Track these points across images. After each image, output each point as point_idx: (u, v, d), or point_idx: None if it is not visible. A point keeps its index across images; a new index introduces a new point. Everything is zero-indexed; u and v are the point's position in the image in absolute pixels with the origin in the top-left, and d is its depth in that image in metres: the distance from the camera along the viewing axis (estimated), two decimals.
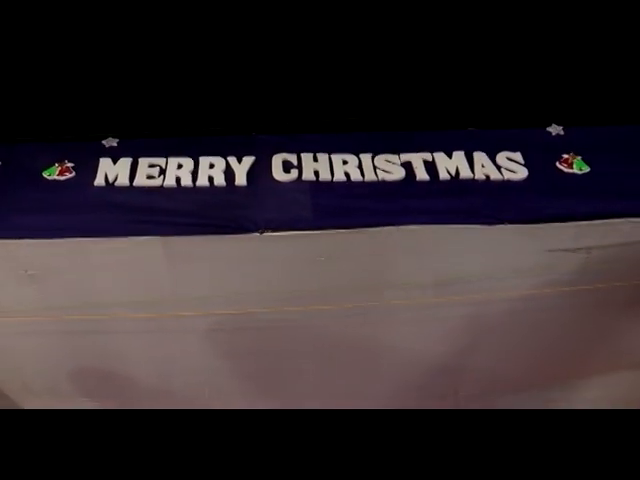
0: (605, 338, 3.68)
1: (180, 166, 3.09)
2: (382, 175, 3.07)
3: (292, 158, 3.14)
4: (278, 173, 3.07)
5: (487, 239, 2.99)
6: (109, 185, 3.02)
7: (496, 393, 4.11)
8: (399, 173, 3.08)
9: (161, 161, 3.12)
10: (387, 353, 3.66)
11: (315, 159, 3.14)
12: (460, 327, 3.49)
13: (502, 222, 2.94)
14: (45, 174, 3.02)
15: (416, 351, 3.65)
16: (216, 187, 3.03)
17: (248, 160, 3.13)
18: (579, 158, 3.16)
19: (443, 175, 3.10)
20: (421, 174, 3.08)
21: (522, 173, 3.10)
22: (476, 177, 3.10)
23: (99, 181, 3.01)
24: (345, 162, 3.13)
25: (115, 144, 3.24)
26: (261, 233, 2.83)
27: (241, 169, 3.08)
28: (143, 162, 3.11)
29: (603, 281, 3.19)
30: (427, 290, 3.20)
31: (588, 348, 3.76)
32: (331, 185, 3.05)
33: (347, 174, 3.08)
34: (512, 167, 3.13)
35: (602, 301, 3.37)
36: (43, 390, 3.93)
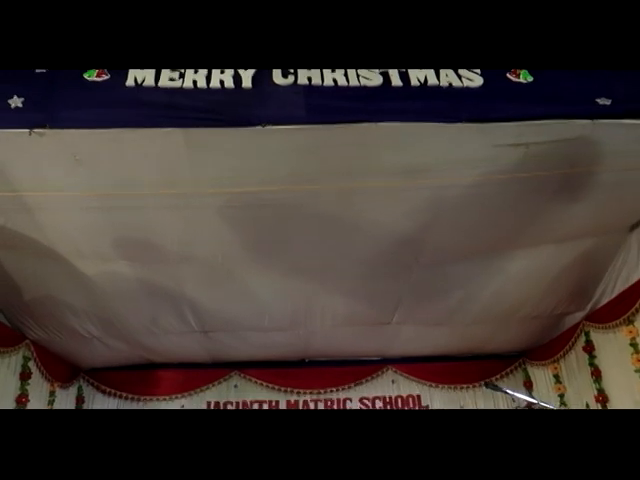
0: (535, 218, 3.82)
1: (196, 71, 3.06)
2: (364, 81, 3.06)
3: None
4: (277, 78, 3.05)
5: (447, 135, 3.05)
6: (138, 86, 2.98)
7: (447, 261, 4.34)
8: (377, 80, 3.07)
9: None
10: (362, 227, 3.78)
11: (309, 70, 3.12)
12: (422, 206, 3.60)
13: (460, 120, 2.99)
14: (85, 76, 2.98)
15: (386, 225, 3.78)
16: (226, 89, 3.01)
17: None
18: (525, 70, 3.16)
19: (414, 82, 3.09)
20: (396, 81, 3.08)
21: (478, 81, 3.11)
22: (441, 84, 3.09)
23: (130, 82, 2.98)
24: (333, 70, 3.09)
25: None
26: (263, 126, 2.86)
27: (247, 74, 3.04)
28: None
29: (537, 170, 3.27)
30: (397, 176, 3.27)
31: (522, 226, 3.92)
32: (321, 88, 3.05)
33: (335, 80, 3.06)
34: (470, 76, 3.12)
35: (535, 187, 3.46)
36: (90, 254, 4.10)
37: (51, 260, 4.09)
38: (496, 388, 3.91)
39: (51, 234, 3.81)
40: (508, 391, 3.81)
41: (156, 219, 3.72)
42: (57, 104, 2.83)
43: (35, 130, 2.80)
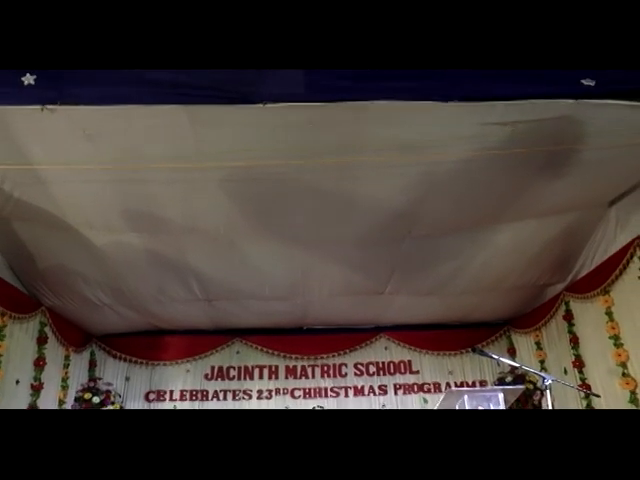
0: (521, 193, 3.85)
1: None
2: None
3: None
4: None
5: (438, 113, 3.04)
6: None
7: (438, 234, 4.38)
8: None
9: None
10: (358, 201, 3.81)
11: None
12: (415, 182, 3.62)
13: (451, 100, 2.96)
14: None
15: (380, 200, 3.80)
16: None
17: None
18: None
19: None
20: None
21: None
22: None
23: None
24: None
25: None
26: (264, 104, 2.84)
27: None
28: None
29: (523, 148, 3.27)
30: (391, 152, 3.27)
31: (508, 200, 3.95)
32: None
33: None
34: None
35: (521, 164, 3.47)
36: (100, 225, 4.13)
37: (63, 231, 4.14)
38: (482, 353, 3.99)
39: (63, 206, 3.85)
40: (494, 356, 3.90)
41: (161, 192, 3.73)
42: (68, 82, 2.80)
43: (47, 106, 2.79)
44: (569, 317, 5.29)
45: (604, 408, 4.72)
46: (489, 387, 5.97)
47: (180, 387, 6.53)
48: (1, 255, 4.59)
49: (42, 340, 5.22)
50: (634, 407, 4.28)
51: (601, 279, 4.59)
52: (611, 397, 4.58)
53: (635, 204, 4.10)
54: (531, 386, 5.89)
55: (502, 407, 3.89)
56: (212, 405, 6.44)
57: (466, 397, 3.93)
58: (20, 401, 4.87)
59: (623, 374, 4.40)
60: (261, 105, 2.85)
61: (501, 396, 3.93)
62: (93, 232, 4.20)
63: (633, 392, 4.31)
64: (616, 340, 4.50)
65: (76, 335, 6.01)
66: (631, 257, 4.20)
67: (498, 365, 6.34)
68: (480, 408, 3.96)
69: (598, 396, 4.26)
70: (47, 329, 5.32)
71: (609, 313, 4.57)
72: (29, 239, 4.34)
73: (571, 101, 2.99)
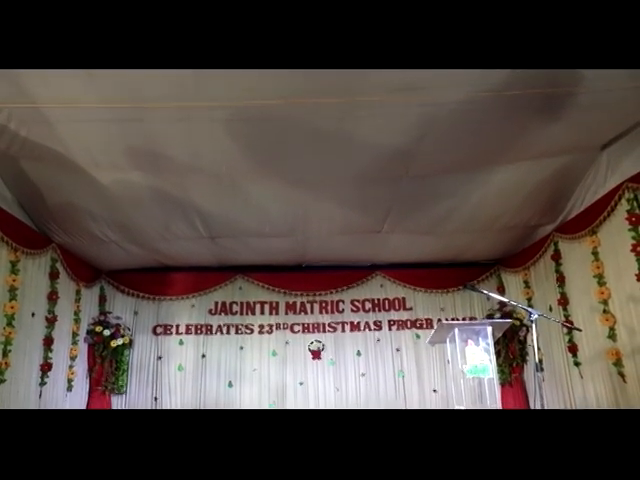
0: (516, 135, 3.87)
1: None
2: None
3: None
4: None
5: None
6: None
7: (435, 174, 4.41)
8: None
9: None
10: (358, 140, 3.82)
11: None
12: (414, 122, 3.62)
13: None
14: None
15: (380, 139, 3.81)
16: None
17: None
18: None
19: None
20: None
21: None
22: None
23: None
24: None
25: None
26: None
27: None
28: None
29: (522, 89, 3.25)
30: (391, 93, 3.25)
31: (503, 142, 3.98)
32: None
33: None
34: None
35: (518, 106, 3.46)
36: (106, 164, 4.16)
37: (70, 170, 4.17)
38: (473, 289, 4.13)
39: (69, 145, 3.87)
40: (484, 291, 4.06)
41: (165, 131, 3.74)
42: None
43: None
44: (557, 257, 5.42)
45: (584, 343, 4.95)
46: (478, 321, 6.20)
47: (185, 321, 6.77)
48: (11, 193, 4.64)
49: (54, 275, 5.37)
50: (612, 342, 4.49)
51: (589, 220, 4.68)
52: (591, 333, 4.80)
53: (627, 148, 4.12)
54: (518, 322, 6.13)
55: (490, 340, 4.09)
56: (216, 339, 6.71)
57: (457, 330, 4.13)
58: (36, 333, 5.08)
59: (604, 311, 4.58)
60: None
61: (489, 329, 4.13)
62: (99, 171, 4.24)
63: (612, 328, 4.51)
64: (600, 279, 4.65)
65: (86, 271, 6.16)
66: (619, 199, 4.27)
67: (488, 300, 6.58)
68: (470, 341, 4.17)
69: (580, 330, 4.45)
70: (58, 265, 5.46)
71: (595, 253, 4.70)
72: (37, 178, 4.39)
73: None
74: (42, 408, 5.05)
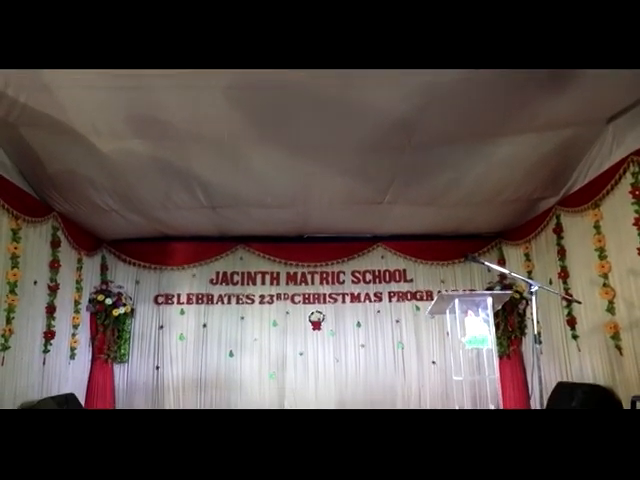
0: (521, 107, 3.82)
1: None
2: None
3: None
4: None
5: None
6: None
7: (438, 144, 4.35)
8: None
9: None
10: (360, 109, 3.77)
11: None
12: (417, 91, 3.57)
13: None
14: None
15: (382, 108, 3.76)
16: None
17: None
18: None
19: None
20: None
21: None
22: None
23: None
24: None
25: None
26: None
27: None
28: None
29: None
30: None
31: (508, 114, 3.92)
32: None
33: None
34: None
35: (523, 77, 3.41)
36: (106, 132, 4.12)
37: (70, 137, 4.13)
38: (475, 260, 4.14)
39: (69, 112, 3.83)
40: (485, 262, 4.06)
41: (165, 98, 3.69)
42: None
43: None
44: (559, 230, 5.41)
45: (583, 316, 4.98)
46: (479, 292, 6.23)
47: (187, 291, 6.82)
48: (12, 161, 4.61)
49: (55, 244, 5.39)
50: (610, 315, 4.52)
51: (593, 193, 4.65)
52: (590, 306, 4.82)
53: (633, 121, 4.06)
54: (517, 295, 6.17)
55: (490, 311, 4.12)
56: (217, 308, 6.77)
57: (457, 301, 4.15)
58: (39, 301, 5.12)
59: (604, 284, 4.60)
60: None
61: (489, 300, 4.15)
62: (99, 138, 4.20)
63: (611, 302, 4.53)
64: (601, 252, 4.65)
65: (87, 240, 6.18)
66: (624, 172, 4.24)
67: (489, 271, 6.60)
68: (469, 312, 4.19)
69: (579, 302, 4.48)
70: (59, 233, 5.46)
71: (597, 226, 4.69)
72: (37, 145, 4.35)
73: None
74: (46, 375, 5.13)
